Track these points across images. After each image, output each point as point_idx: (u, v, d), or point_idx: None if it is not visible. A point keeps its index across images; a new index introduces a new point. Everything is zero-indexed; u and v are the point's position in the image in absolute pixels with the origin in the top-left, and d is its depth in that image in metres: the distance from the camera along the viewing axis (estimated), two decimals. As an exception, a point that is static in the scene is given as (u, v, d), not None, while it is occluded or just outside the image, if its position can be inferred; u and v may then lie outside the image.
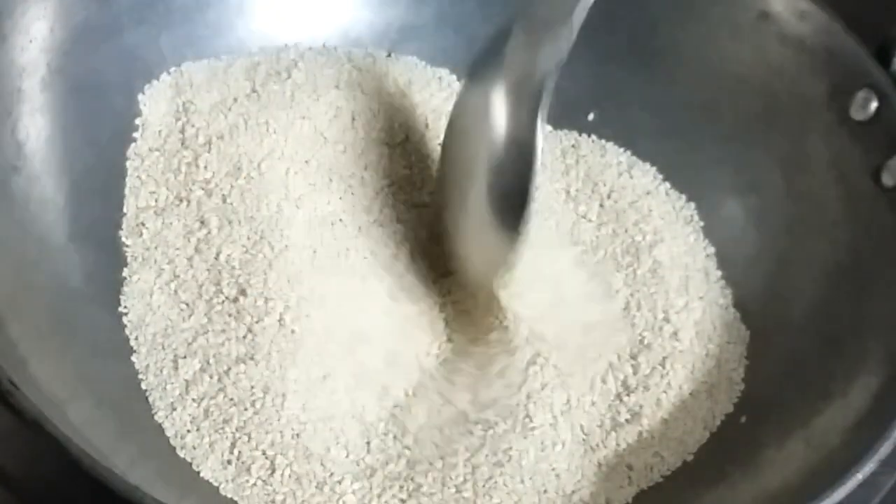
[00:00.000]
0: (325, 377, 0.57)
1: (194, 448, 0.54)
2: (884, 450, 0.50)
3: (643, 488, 0.57)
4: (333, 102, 0.65)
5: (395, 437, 0.57)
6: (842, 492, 0.49)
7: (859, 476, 0.49)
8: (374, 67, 0.68)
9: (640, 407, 0.58)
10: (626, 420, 0.58)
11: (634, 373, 0.60)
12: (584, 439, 0.58)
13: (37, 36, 0.59)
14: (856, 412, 0.54)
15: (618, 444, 0.58)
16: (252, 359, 0.56)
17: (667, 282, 0.63)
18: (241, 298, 0.58)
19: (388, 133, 0.66)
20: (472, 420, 0.57)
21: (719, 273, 0.65)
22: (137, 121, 0.63)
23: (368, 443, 0.56)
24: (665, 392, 0.59)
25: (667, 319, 0.61)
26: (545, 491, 0.55)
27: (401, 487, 0.55)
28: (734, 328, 0.62)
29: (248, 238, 0.60)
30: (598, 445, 0.57)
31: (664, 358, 0.60)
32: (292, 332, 0.57)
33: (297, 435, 0.55)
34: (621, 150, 0.69)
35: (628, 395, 0.59)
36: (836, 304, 0.60)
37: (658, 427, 0.58)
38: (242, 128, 0.63)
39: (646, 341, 0.61)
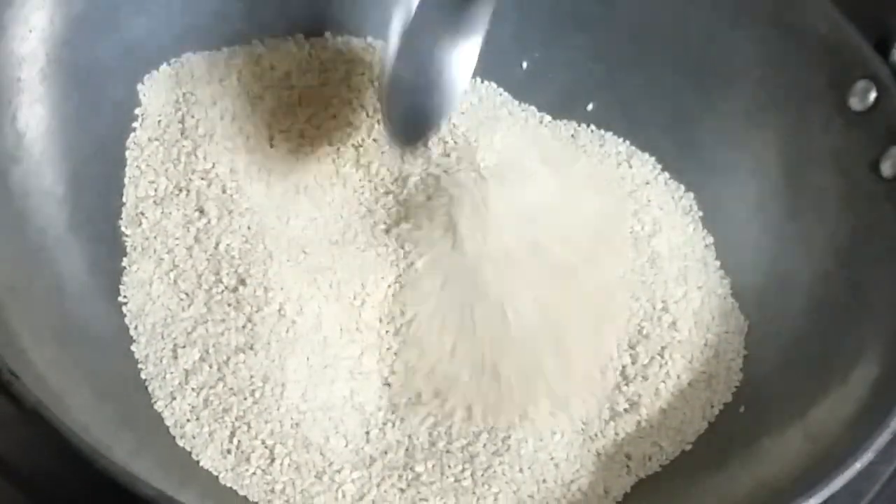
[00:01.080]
0: (325, 367, 0.57)
1: (194, 437, 0.54)
2: (882, 440, 0.50)
3: (641, 477, 0.57)
4: (333, 93, 0.65)
5: (394, 427, 0.57)
6: (839, 482, 0.48)
7: (857, 466, 0.49)
8: (374, 57, 0.68)
9: (639, 396, 0.58)
10: (625, 410, 0.58)
11: (633, 362, 0.60)
12: (582, 429, 0.58)
13: (36, 26, 0.58)
14: (854, 402, 0.54)
15: (616, 434, 0.58)
16: (251, 348, 0.56)
17: (665, 272, 0.63)
18: (241, 288, 0.58)
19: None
20: (471, 410, 0.57)
21: (718, 263, 0.65)
22: (137, 111, 0.63)
23: (367, 432, 0.56)
24: (664, 382, 0.59)
25: (665, 309, 0.61)
26: (544, 480, 0.56)
27: (399, 477, 0.55)
28: (733, 318, 0.62)
29: (248, 228, 0.60)
30: (596, 435, 0.58)
31: (663, 348, 0.60)
32: (292, 321, 0.57)
33: (297, 424, 0.55)
34: (620, 140, 0.68)
35: (627, 384, 0.59)
36: (834, 294, 0.59)
37: (656, 417, 0.58)
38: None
39: (644, 331, 0.61)
